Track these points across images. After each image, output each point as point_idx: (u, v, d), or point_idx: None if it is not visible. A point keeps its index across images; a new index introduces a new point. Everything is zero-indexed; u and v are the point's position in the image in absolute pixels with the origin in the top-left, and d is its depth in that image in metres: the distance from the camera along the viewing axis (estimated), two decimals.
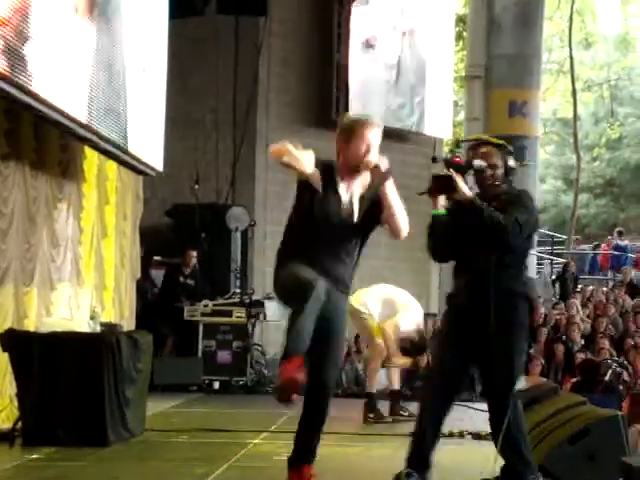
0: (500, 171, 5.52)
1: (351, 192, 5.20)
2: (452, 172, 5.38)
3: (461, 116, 23.80)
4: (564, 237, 25.19)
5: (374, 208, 5.16)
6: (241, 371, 12.44)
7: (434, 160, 6.05)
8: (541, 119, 21.32)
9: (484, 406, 5.58)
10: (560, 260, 21.64)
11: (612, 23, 35.78)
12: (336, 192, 5.15)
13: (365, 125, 5.19)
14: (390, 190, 5.12)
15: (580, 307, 14.83)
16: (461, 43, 23.57)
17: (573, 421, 6.00)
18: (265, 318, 12.66)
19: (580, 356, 11.94)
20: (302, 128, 14.42)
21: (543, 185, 31.00)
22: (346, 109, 14.48)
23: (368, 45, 15.07)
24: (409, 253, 15.47)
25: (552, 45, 32.24)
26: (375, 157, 5.13)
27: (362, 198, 5.21)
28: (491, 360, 5.36)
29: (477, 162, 5.49)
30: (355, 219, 5.18)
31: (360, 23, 14.80)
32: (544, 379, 10.22)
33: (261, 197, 14.66)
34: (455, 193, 5.38)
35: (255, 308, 12.52)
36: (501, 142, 5.63)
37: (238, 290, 13.13)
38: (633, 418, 7.06)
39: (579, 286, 18.15)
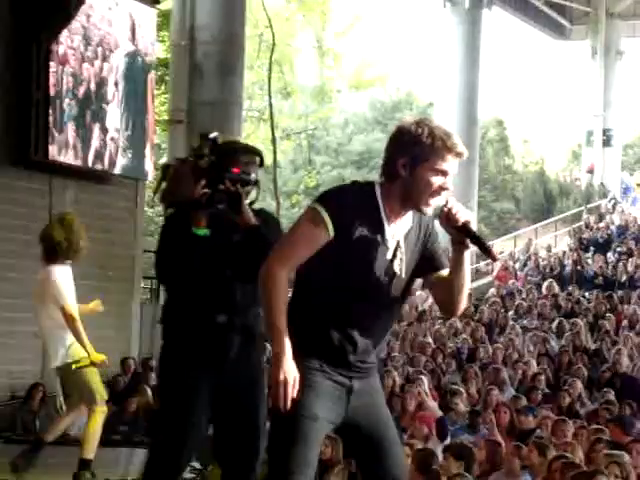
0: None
1: (397, 239, 3.70)
2: (240, 189, 4.41)
3: (164, 159, 23.85)
4: None
5: (425, 265, 3.77)
6: None
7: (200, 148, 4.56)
8: None
9: None
10: None
11: (309, 74, 37.16)
12: (382, 241, 3.66)
13: (457, 148, 3.62)
14: (467, 256, 3.69)
15: None
16: (163, 87, 23.66)
17: None
18: None
19: None
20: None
21: None
22: (46, 149, 14.15)
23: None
24: (109, 295, 15.26)
25: (253, 93, 33.02)
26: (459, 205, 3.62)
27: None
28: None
29: (254, 175, 4.55)
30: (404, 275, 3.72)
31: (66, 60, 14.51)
32: None
33: None
34: (238, 215, 4.39)
35: None
36: (259, 150, 4.76)
37: None
38: None
39: None
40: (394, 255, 3.67)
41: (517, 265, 23.85)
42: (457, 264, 3.67)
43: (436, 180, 3.58)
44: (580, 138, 35.81)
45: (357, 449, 3.85)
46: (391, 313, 3.78)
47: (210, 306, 4.46)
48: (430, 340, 15.36)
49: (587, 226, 26.28)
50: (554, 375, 13.12)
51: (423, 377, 12.02)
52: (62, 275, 7.57)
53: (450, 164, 3.60)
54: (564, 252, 23.86)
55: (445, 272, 3.75)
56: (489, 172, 38.31)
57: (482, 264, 25.03)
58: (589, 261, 22.33)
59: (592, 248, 23.66)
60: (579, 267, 21.83)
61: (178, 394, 4.54)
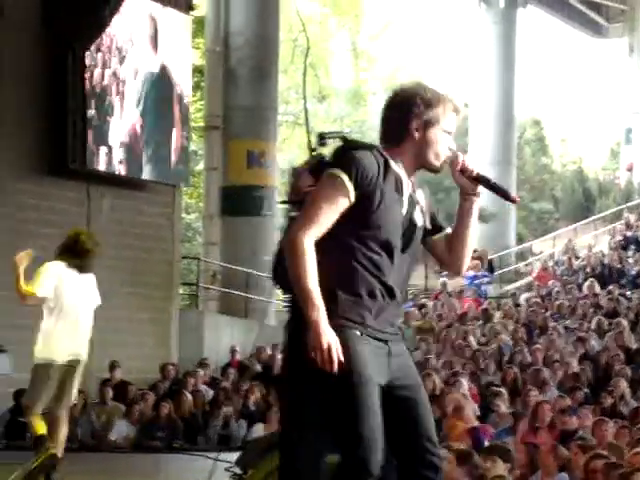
0: None
1: (414, 197, 3.84)
2: None
3: (201, 165, 23.93)
4: None
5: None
6: None
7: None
8: (279, 169, 21.77)
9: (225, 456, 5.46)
10: None
11: (344, 77, 37.14)
12: (400, 197, 3.78)
13: (459, 107, 3.85)
14: (477, 206, 3.90)
15: None
16: (199, 93, 23.76)
17: None
18: None
19: None
20: (37, 176, 14.04)
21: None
22: (83, 158, 14.22)
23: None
24: (148, 302, 15.33)
25: (288, 97, 33.03)
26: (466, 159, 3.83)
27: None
28: None
29: None
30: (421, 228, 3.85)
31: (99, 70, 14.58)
32: None
33: None
34: None
35: None
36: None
37: None
38: None
39: None
40: (413, 208, 3.78)
41: (558, 266, 23.67)
42: (467, 215, 3.83)
43: (445, 140, 3.79)
44: (619, 136, 35.50)
45: (393, 410, 3.77)
46: (414, 262, 3.87)
47: None
48: (471, 339, 15.28)
49: (627, 225, 26.02)
50: (595, 375, 12.97)
51: (462, 379, 11.94)
52: None
53: (454, 123, 3.82)
54: (602, 252, 23.64)
55: (445, 232, 3.91)
56: (527, 172, 38.09)
57: (521, 265, 24.86)
58: (630, 260, 22.10)
59: (632, 247, 23.41)
60: (620, 266, 21.63)
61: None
